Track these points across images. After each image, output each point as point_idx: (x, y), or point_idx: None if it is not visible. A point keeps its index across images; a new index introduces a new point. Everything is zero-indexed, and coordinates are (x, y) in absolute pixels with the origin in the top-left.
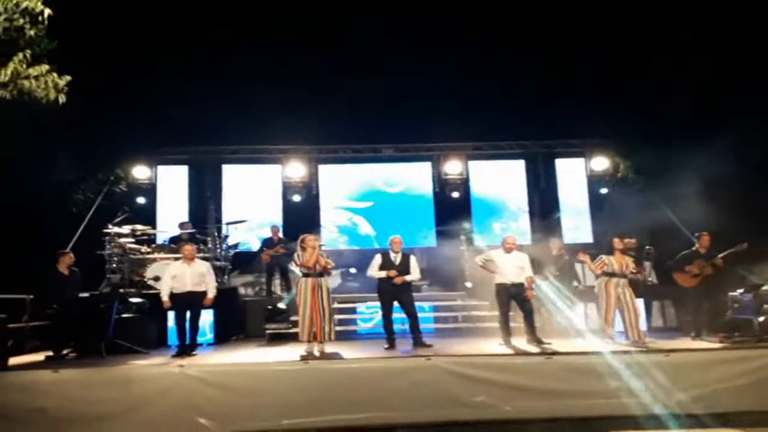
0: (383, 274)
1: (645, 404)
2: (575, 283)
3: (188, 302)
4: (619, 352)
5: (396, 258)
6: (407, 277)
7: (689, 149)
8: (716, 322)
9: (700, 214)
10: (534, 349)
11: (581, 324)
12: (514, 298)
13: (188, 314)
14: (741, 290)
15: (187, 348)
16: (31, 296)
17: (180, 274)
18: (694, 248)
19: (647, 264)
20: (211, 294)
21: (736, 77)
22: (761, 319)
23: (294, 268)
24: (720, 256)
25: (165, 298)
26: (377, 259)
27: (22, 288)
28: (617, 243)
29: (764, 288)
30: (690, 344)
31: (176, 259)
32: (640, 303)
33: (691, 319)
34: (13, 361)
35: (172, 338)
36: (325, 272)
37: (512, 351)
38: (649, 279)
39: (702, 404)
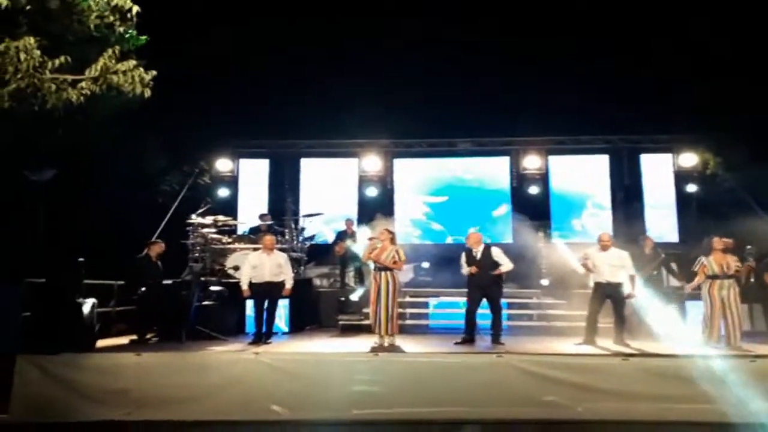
0: (467, 270)
1: (725, 411)
2: (676, 283)
3: (266, 292)
4: (701, 356)
5: (477, 253)
6: (502, 269)
7: None
8: None
9: None
10: (616, 349)
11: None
12: (610, 298)
13: (266, 303)
14: None
15: (263, 336)
16: (118, 282)
17: (259, 265)
18: None
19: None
20: (289, 285)
21: None
22: None
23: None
24: None
25: (244, 286)
26: (462, 257)
27: (109, 274)
28: (717, 243)
29: None
30: None
31: (255, 249)
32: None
33: None
34: (101, 343)
35: (250, 326)
36: (393, 267)
37: (590, 351)
38: (752, 279)
39: None
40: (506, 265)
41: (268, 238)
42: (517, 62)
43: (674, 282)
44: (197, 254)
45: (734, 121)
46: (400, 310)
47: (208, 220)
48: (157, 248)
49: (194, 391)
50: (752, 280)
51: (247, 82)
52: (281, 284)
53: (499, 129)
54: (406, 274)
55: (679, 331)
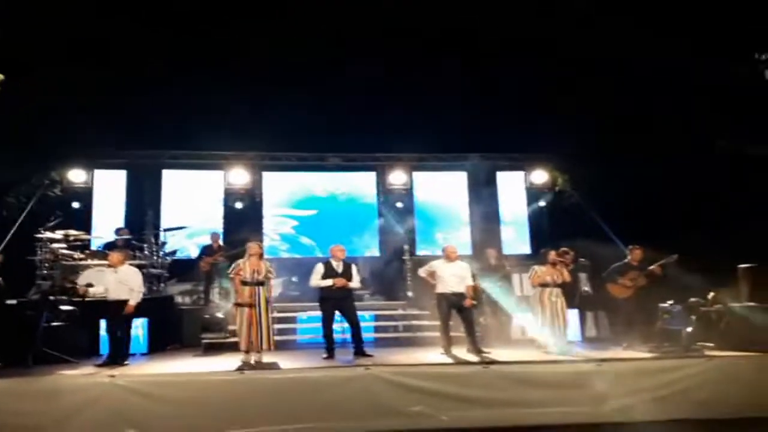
0: (329, 282)
1: (578, 413)
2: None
3: (114, 310)
4: (553, 362)
5: (338, 266)
6: (350, 284)
7: (624, 164)
8: (647, 332)
9: (634, 226)
10: (473, 358)
11: (527, 333)
12: (455, 307)
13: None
14: (671, 301)
15: (118, 358)
16: None
17: (105, 282)
18: (626, 260)
19: (583, 275)
20: (133, 301)
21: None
22: (689, 329)
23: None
24: (651, 267)
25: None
26: (319, 268)
27: None
28: (552, 255)
29: (692, 299)
30: (622, 354)
31: (109, 266)
32: (573, 313)
33: (623, 329)
34: None
35: (104, 347)
36: (265, 280)
37: (451, 360)
38: (585, 289)
39: (633, 413)
40: (355, 283)
41: (113, 255)
42: (383, 81)
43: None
44: (45, 271)
45: (579, 141)
46: None
47: (59, 234)
48: None
49: (43, 419)
50: (586, 289)
51: (104, 88)
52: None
53: (366, 145)
54: (275, 288)
55: (528, 336)
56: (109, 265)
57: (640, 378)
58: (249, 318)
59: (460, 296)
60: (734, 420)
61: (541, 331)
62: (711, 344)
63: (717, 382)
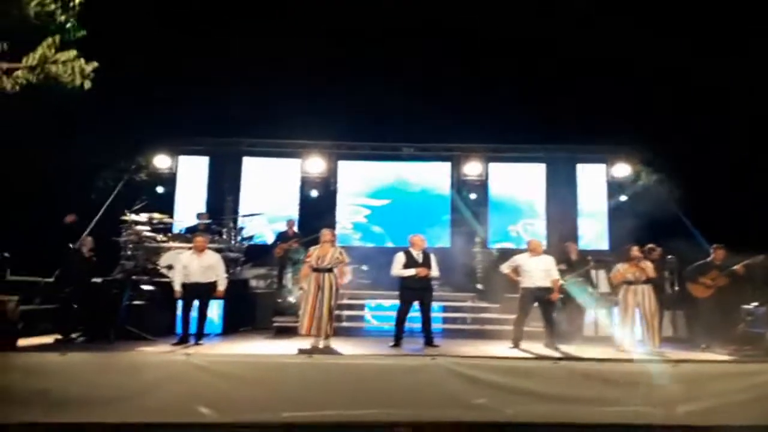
0: (412, 272)
1: (650, 414)
2: (590, 289)
3: (195, 292)
4: (627, 361)
5: (418, 256)
6: (431, 273)
7: (713, 159)
8: (728, 334)
9: (722, 224)
10: (546, 353)
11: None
12: (539, 302)
13: (196, 304)
14: (755, 303)
15: (194, 337)
16: (45, 279)
17: (189, 265)
18: (709, 259)
19: (668, 274)
20: (221, 286)
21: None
22: None
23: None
24: (733, 267)
25: (177, 287)
26: (400, 258)
27: (38, 271)
28: (634, 251)
29: None
30: (700, 356)
31: (190, 248)
32: None
33: (701, 330)
34: (22, 342)
35: (179, 327)
36: (333, 267)
37: (520, 354)
38: (676, 288)
39: (709, 417)
40: (435, 272)
41: (198, 239)
42: (460, 70)
43: (605, 288)
44: (130, 252)
45: (665, 135)
46: (337, 312)
47: (143, 217)
48: (87, 243)
49: (120, 392)
50: (676, 287)
51: (189, 78)
52: (211, 285)
53: (441, 135)
54: (346, 275)
55: (604, 334)
56: (191, 248)
57: (718, 381)
58: (313, 303)
59: (546, 291)
60: None
61: (620, 330)
62: None
63: None
